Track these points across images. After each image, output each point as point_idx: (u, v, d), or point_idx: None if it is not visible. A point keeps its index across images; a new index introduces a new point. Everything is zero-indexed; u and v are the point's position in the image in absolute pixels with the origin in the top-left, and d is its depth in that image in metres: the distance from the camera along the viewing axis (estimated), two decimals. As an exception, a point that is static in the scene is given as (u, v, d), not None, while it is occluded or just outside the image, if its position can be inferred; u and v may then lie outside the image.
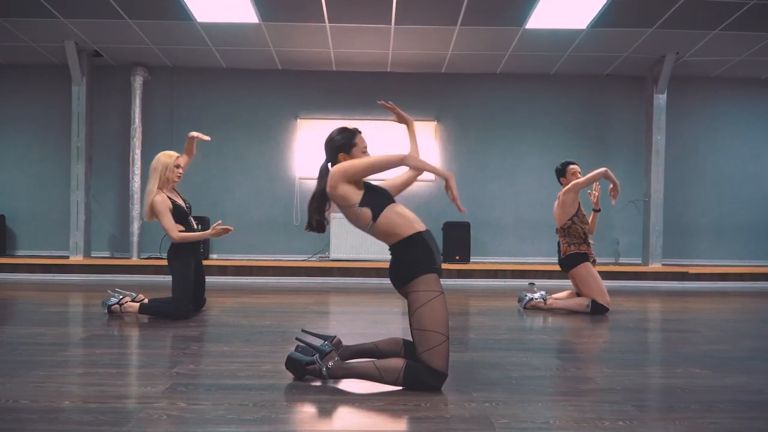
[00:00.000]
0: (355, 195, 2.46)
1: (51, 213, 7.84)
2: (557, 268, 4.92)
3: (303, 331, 2.75)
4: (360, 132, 2.65)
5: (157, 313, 4.02)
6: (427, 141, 7.86)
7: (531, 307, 4.79)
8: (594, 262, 4.66)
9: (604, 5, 5.63)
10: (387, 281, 6.97)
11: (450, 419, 2.04)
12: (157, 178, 4.07)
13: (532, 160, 7.90)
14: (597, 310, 4.53)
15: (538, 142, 7.93)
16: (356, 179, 2.48)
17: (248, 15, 5.97)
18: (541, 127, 7.94)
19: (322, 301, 5.46)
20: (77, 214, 7.43)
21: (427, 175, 7.75)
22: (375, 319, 4.33)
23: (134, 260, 7.36)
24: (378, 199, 2.49)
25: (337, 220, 7.42)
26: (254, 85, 7.94)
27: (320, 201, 2.56)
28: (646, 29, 6.22)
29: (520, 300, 4.86)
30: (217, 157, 7.86)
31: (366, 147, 2.63)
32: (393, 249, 2.48)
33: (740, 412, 2.13)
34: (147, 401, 2.20)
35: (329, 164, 2.61)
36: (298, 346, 2.57)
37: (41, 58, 7.55)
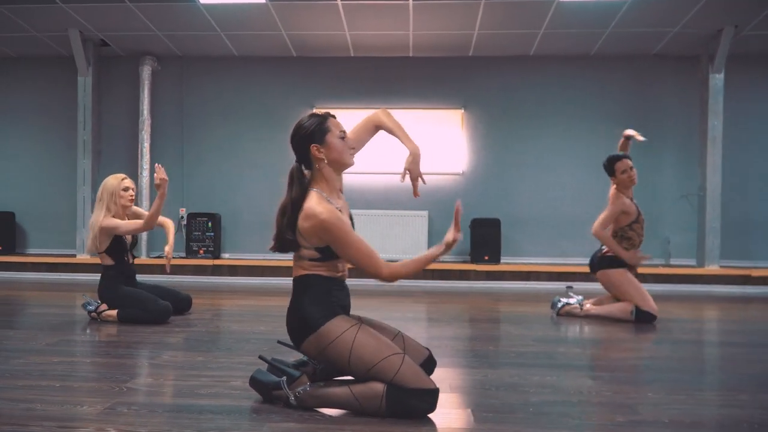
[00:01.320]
0: (319, 242, 2.03)
1: (59, 210, 7.71)
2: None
3: (278, 342, 2.34)
4: (333, 115, 2.17)
5: (134, 320, 3.72)
6: (453, 130, 7.40)
7: (565, 314, 4.32)
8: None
9: (651, -31, 5.08)
10: (409, 282, 6.55)
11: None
12: (103, 207, 3.80)
13: (571, 151, 7.33)
14: (642, 318, 4.01)
15: (577, 131, 7.35)
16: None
17: (253, -7, 5.65)
18: (580, 114, 7.36)
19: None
20: (83, 211, 7.28)
21: (452, 168, 7.37)
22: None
23: (143, 259, 7.14)
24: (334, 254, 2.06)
25: (358, 216, 7.02)
26: (267, 73, 7.64)
27: (294, 213, 2.06)
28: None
29: (552, 306, 4.39)
30: (227, 150, 7.59)
31: (343, 131, 2.15)
32: (297, 285, 2.11)
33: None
34: (70, 425, 1.83)
35: (302, 165, 2.15)
36: (268, 366, 2.18)
37: (46, 49, 7.42)
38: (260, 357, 2.21)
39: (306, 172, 2.13)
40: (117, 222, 3.76)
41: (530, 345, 3.24)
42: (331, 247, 2.02)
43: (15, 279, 6.74)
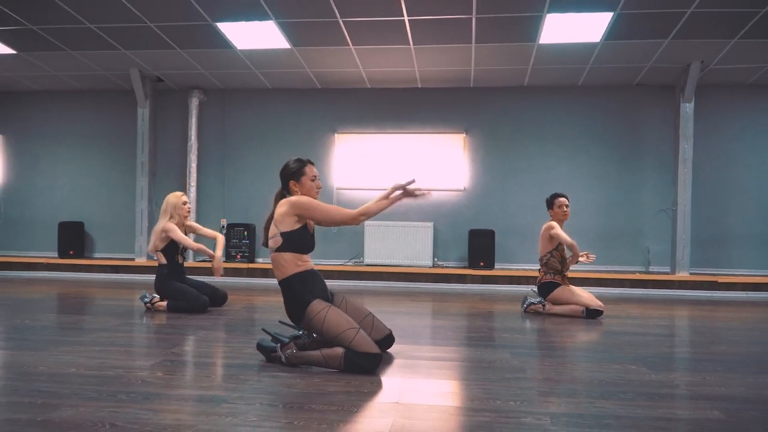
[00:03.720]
0: (287, 225, 2.85)
1: (120, 220, 8.73)
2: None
3: (279, 322, 3.15)
4: (311, 162, 3.02)
5: (179, 309, 4.60)
6: (456, 152, 8.12)
7: (531, 311, 4.96)
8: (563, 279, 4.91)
9: (612, 19, 5.71)
10: (414, 284, 7.24)
11: (354, 395, 2.37)
12: (167, 217, 4.73)
13: (561, 170, 7.95)
14: (592, 315, 4.66)
15: (566, 152, 7.97)
16: (305, 216, 2.87)
17: (279, 42, 6.51)
18: (570, 138, 7.98)
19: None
20: (141, 221, 8.26)
21: (455, 185, 8.09)
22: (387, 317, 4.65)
23: (190, 262, 8.05)
24: (296, 242, 2.86)
25: (371, 227, 7.81)
26: (296, 103, 8.50)
27: (269, 222, 2.95)
28: (662, 39, 6.21)
29: (522, 303, 5.04)
30: (262, 169, 8.48)
31: (315, 176, 3.01)
32: (281, 284, 2.90)
33: (628, 399, 2.32)
34: (132, 371, 2.67)
35: (284, 191, 3.00)
36: (270, 336, 2.98)
37: (111, 84, 8.47)
38: (263, 329, 3.03)
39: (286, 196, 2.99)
40: (176, 229, 4.65)
41: (486, 331, 3.95)
42: (306, 215, 2.84)
43: (85, 278, 7.72)
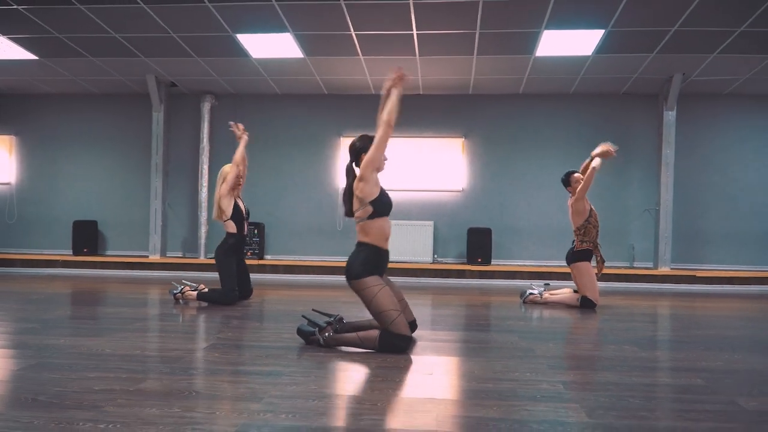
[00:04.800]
0: (372, 194, 3.16)
1: (134, 219, 9.00)
2: (568, 270, 5.41)
3: (313, 310, 3.51)
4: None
5: (210, 299, 4.90)
6: (456, 155, 8.50)
7: (530, 302, 5.34)
8: (601, 262, 5.18)
9: (603, 36, 6.13)
10: (415, 279, 7.57)
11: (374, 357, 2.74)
12: (222, 183, 4.94)
13: (554, 171, 8.34)
14: (586, 305, 5.04)
15: (559, 155, 8.38)
16: (378, 161, 3.17)
17: (294, 51, 6.85)
18: (562, 142, 8.40)
19: (354, 295, 6.18)
20: (155, 220, 8.54)
21: (454, 186, 8.47)
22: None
23: (202, 259, 8.37)
24: (385, 205, 3.21)
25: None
26: (304, 108, 8.83)
27: (350, 192, 3.26)
28: (648, 54, 6.64)
29: (521, 295, 5.42)
30: (271, 170, 8.79)
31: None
32: (359, 245, 3.21)
33: (624, 371, 2.71)
34: (192, 352, 3.01)
35: (353, 164, 3.34)
36: (308, 321, 3.34)
37: (126, 89, 8.74)
38: (303, 315, 3.39)
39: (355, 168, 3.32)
40: (226, 183, 4.87)
41: (492, 320, 4.33)
42: (375, 160, 3.12)
43: (102, 275, 7.92)
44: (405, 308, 3.35)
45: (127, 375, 2.53)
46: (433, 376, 2.57)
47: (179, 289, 5.03)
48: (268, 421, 1.96)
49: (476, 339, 3.52)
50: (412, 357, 2.97)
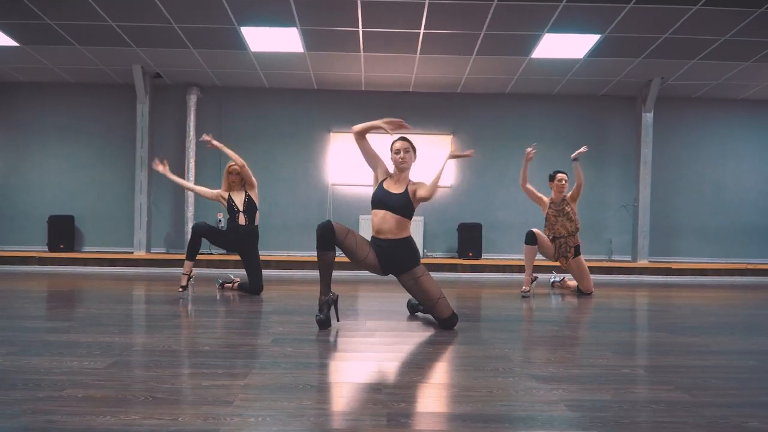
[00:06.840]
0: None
1: (114, 214, 8.62)
2: (556, 263, 5.68)
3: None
4: (398, 140, 3.80)
5: (242, 289, 5.21)
6: (444, 152, 8.59)
7: (558, 287, 5.81)
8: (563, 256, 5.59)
9: (598, 40, 6.38)
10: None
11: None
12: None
13: (538, 168, 8.58)
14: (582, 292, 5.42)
15: (542, 153, 8.56)
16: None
17: (295, 46, 6.76)
18: (545, 140, 8.63)
19: (352, 288, 6.18)
20: (141, 216, 8.22)
21: (442, 182, 8.57)
22: (395, 301, 5.08)
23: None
24: (372, 200, 3.80)
25: (366, 221, 8.17)
26: (292, 102, 8.71)
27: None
28: (634, 59, 6.97)
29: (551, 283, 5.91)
30: (258, 165, 8.59)
31: (397, 150, 3.77)
32: (407, 240, 3.56)
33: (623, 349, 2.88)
34: (264, 348, 2.96)
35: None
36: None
37: (108, 79, 8.35)
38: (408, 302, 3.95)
39: None
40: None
41: (464, 302, 4.47)
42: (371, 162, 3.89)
43: (82, 272, 7.44)
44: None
45: (200, 371, 2.45)
46: (476, 347, 2.65)
47: (221, 281, 5.43)
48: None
49: (491, 326, 3.63)
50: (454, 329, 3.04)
